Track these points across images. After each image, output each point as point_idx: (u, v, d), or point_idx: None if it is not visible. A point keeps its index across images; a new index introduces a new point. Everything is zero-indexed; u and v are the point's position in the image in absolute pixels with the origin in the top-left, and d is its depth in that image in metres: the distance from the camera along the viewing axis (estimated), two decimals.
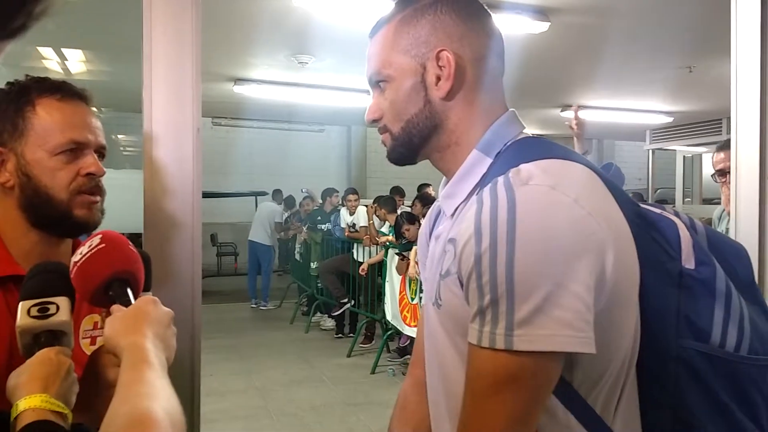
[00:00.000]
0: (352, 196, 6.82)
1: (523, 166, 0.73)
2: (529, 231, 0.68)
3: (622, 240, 0.72)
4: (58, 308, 0.79)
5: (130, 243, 0.87)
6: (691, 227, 0.81)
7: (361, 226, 6.43)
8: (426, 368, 0.93)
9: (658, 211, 0.82)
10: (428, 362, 0.91)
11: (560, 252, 0.67)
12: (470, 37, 0.84)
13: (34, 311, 0.78)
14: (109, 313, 0.80)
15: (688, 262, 0.76)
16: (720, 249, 0.82)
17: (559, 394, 0.73)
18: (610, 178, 0.80)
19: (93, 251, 0.83)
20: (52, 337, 0.78)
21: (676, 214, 0.82)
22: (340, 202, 7.43)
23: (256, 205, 12.01)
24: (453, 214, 0.86)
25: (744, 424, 0.75)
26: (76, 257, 0.84)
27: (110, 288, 0.82)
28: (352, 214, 6.69)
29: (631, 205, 0.76)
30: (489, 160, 0.83)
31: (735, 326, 0.75)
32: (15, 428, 0.68)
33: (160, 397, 0.64)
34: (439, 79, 0.83)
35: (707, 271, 0.76)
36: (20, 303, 0.80)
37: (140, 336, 0.74)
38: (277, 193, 9.32)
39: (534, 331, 0.67)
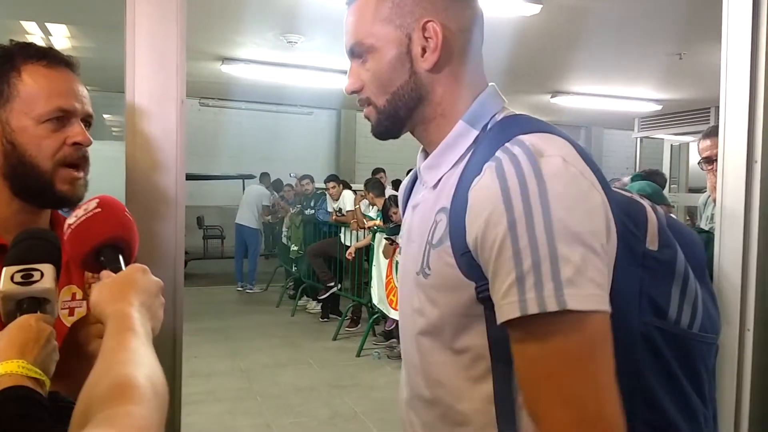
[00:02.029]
0: (330, 184, 6.76)
1: (528, 138, 0.74)
2: (560, 197, 0.69)
3: (609, 211, 0.74)
4: (42, 275, 0.78)
5: (126, 210, 0.86)
6: (654, 211, 0.84)
7: (347, 211, 6.42)
8: (401, 335, 0.93)
9: (628, 194, 0.85)
10: (404, 330, 0.91)
11: (586, 217, 0.70)
12: (455, 8, 0.83)
13: (17, 277, 0.77)
14: (97, 279, 0.78)
15: (652, 243, 0.80)
16: (679, 235, 0.85)
17: None
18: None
19: (89, 215, 0.82)
20: (36, 304, 0.77)
21: (642, 198, 0.86)
22: (314, 189, 7.42)
23: (244, 189, 11.97)
24: (436, 185, 0.86)
25: (689, 394, 0.81)
26: (71, 219, 0.83)
27: (102, 253, 0.81)
28: (336, 200, 6.65)
29: (606, 185, 0.78)
30: (475, 132, 0.83)
31: (689, 306, 0.81)
32: None
33: (144, 365, 0.63)
34: (425, 50, 0.82)
35: (669, 253, 0.81)
36: (4, 268, 0.78)
37: (126, 304, 0.73)
38: (264, 176, 9.26)
39: (581, 291, 0.67)
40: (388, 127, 0.88)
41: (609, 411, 0.68)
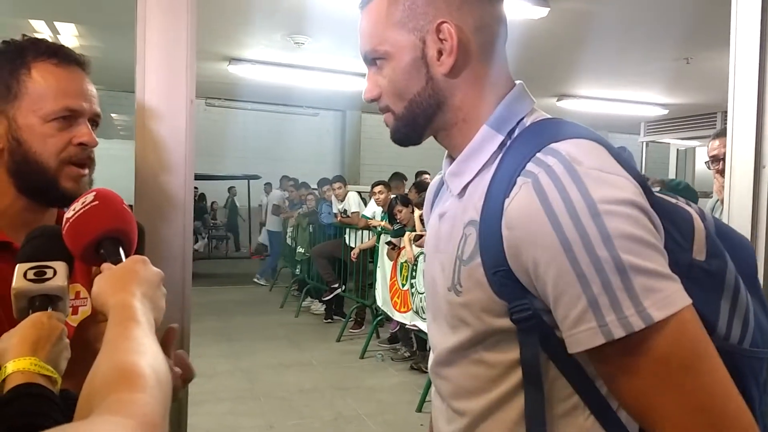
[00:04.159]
0: (336, 185, 6.74)
1: (561, 146, 0.71)
2: (609, 204, 0.65)
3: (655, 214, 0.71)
4: (55, 273, 0.78)
5: (124, 202, 0.85)
6: (702, 217, 0.78)
7: (353, 212, 6.41)
8: (432, 346, 0.90)
9: (672, 200, 0.79)
10: (435, 342, 0.88)
11: (640, 218, 0.66)
12: (471, 4, 0.78)
13: (30, 274, 0.77)
14: (99, 272, 0.78)
15: (700, 254, 0.74)
16: (727, 240, 0.80)
17: (571, 377, 0.73)
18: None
19: (86, 208, 0.81)
20: (48, 301, 0.77)
21: (688, 204, 0.80)
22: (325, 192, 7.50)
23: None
24: (461, 193, 0.82)
25: None
26: (68, 213, 0.82)
27: (101, 246, 0.81)
28: (341, 201, 6.63)
29: (647, 190, 0.72)
30: (500, 137, 0.79)
31: (740, 320, 0.75)
32: (2, 390, 0.67)
33: (147, 354, 0.62)
34: (441, 53, 0.78)
35: (718, 264, 0.75)
36: (17, 265, 0.78)
37: (128, 294, 0.73)
38: (284, 179, 9.56)
39: (661, 294, 0.63)
40: (407, 134, 0.84)
41: (736, 408, 0.64)
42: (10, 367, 0.68)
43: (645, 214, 0.67)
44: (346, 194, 6.63)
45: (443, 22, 0.77)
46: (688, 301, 0.65)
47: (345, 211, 6.52)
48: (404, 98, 0.81)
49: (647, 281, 0.63)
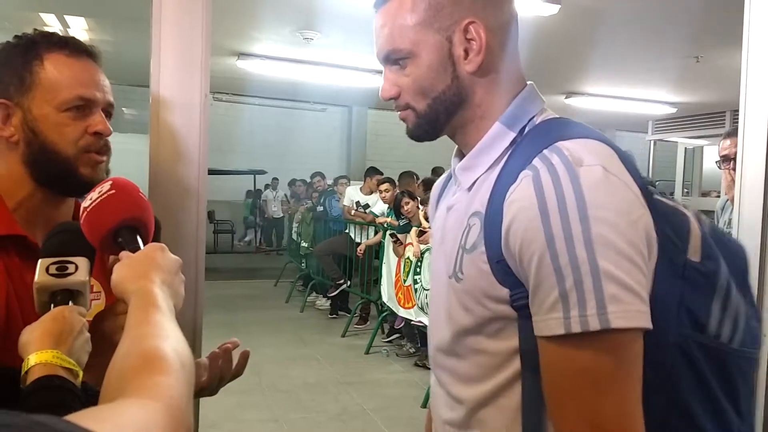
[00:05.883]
0: (378, 177, 6.39)
1: (567, 145, 0.73)
2: (600, 209, 0.68)
3: (651, 224, 0.73)
4: (76, 268, 0.80)
5: (140, 190, 0.86)
6: (699, 221, 0.81)
7: (370, 210, 6.36)
8: (430, 334, 0.91)
9: (671, 203, 0.81)
10: (434, 331, 0.90)
11: (628, 230, 0.68)
12: (494, 3, 0.80)
13: (52, 269, 0.79)
14: (117, 260, 0.79)
15: (695, 254, 0.77)
16: (721, 243, 0.82)
17: None
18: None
19: (103, 197, 0.82)
20: (69, 296, 0.79)
21: (686, 207, 0.82)
22: (326, 186, 7.47)
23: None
24: (471, 187, 0.84)
25: (726, 410, 0.78)
26: (85, 203, 0.83)
27: (119, 234, 0.81)
28: (369, 194, 6.51)
29: (647, 192, 0.75)
30: (512, 134, 0.81)
31: (731, 320, 0.78)
32: (25, 382, 0.68)
33: (170, 338, 0.63)
34: (467, 52, 0.79)
35: (712, 265, 0.77)
36: (39, 260, 0.80)
37: (148, 281, 0.73)
38: (292, 182, 9.51)
39: (626, 307, 0.66)
40: (426, 130, 0.85)
41: None
42: (33, 359, 0.70)
43: (636, 226, 0.69)
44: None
45: (471, 22, 0.79)
46: (649, 326, 0.68)
47: (367, 205, 6.45)
48: (428, 96, 0.82)
49: (617, 290, 0.66)
